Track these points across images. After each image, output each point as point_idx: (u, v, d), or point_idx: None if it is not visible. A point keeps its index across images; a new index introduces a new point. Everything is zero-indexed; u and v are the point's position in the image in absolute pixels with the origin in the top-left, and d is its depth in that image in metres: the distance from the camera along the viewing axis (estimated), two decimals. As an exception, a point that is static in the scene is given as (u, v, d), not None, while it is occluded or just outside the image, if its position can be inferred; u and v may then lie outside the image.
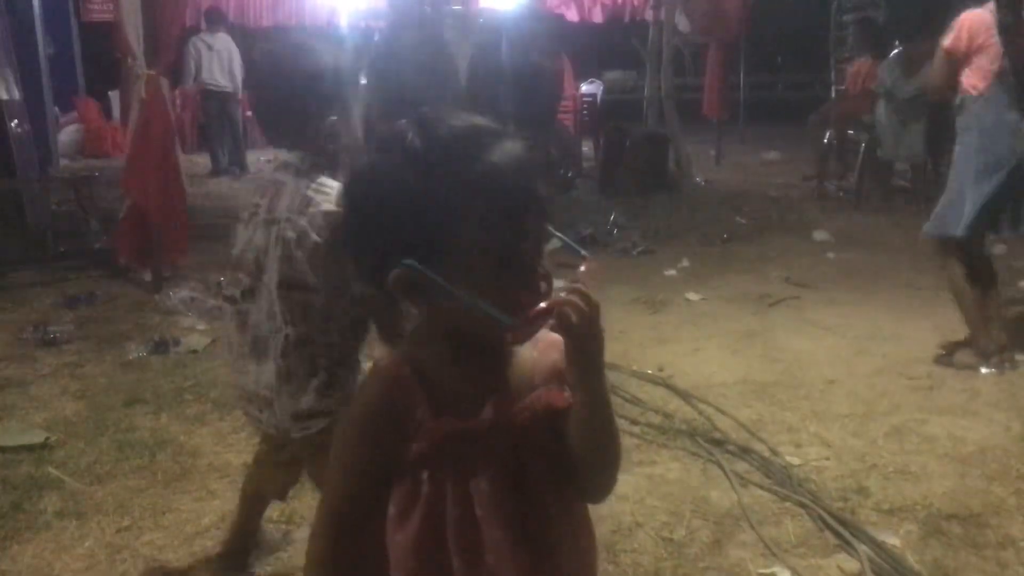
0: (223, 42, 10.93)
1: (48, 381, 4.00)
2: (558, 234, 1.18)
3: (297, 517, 2.75)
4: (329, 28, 12.39)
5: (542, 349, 1.19)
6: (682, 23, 10.56)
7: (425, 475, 1.12)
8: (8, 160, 6.91)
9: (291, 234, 1.99)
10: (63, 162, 11.15)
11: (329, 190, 1.99)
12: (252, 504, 2.49)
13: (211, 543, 2.65)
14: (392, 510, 1.14)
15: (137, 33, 5.11)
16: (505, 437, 1.13)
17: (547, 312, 1.07)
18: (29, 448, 3.26)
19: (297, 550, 2.59)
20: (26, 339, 4.60)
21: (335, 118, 2.05)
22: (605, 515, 2.81)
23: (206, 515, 2.82)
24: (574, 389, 1.14)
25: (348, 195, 1.16)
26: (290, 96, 2.04)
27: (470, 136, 1.09)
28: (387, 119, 2.05)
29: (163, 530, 2.74)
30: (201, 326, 4.75)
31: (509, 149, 1.09)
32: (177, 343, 4.47)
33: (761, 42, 14.32)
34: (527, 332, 1.10)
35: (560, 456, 1.18)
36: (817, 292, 5.39)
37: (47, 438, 3.31)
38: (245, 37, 12.14)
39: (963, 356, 4.10)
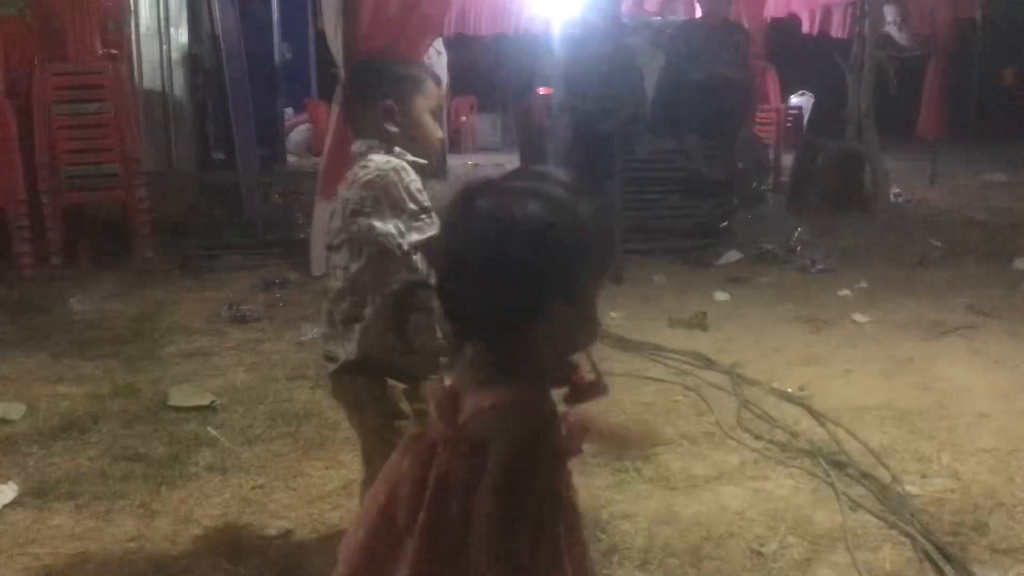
0: (439, 47, 11.44)
1: (230, 353, 4.47)
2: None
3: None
4: (542, 36, 12.69)
5: None
6: (899, 37, 10.06)
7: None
8: (232, 157, 7.72)
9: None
10: (291, 159, 12.18)
11: (371, 163, 2.25)
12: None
13: (329, 507, 2.93)
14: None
15: (336, 41, 5.51)
16: None
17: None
18: (197, 409, 3.69)
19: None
20: (221, 316, 5.14)
21: (389, 102, 2.28)
22: (702, 521, 2.86)
23: (331, 482, 3.10)
24: None
25: (510, 243, 1.23)
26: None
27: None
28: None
29: (291, 491, 3.05)
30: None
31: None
32: (348, 328, 4.84)
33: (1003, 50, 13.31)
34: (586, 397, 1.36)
35: None
36: (999, 322, 5.06)
37: (212, 401, 3.73)
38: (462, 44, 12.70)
39: None
